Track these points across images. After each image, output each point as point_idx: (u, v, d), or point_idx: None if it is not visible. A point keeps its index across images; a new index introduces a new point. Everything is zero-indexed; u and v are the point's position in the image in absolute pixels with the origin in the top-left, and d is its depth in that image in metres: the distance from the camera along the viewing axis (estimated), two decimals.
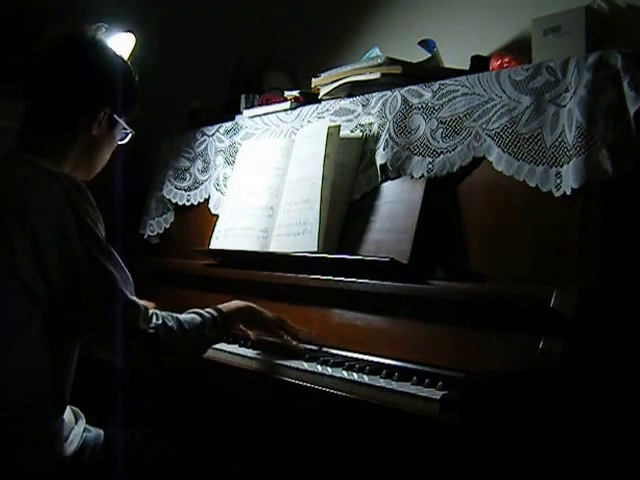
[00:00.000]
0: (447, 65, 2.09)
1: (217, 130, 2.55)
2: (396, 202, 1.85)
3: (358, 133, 2.02)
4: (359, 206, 1.96)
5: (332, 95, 2.16)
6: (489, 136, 1.69)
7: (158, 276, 2.41)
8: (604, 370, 1.42)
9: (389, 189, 1.90)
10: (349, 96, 2.11)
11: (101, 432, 1.64)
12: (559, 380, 1.36)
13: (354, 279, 1.77)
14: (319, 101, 2.21)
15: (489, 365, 1.43)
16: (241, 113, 2.50)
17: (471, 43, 2.10)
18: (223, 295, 1.86)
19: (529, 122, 1.63)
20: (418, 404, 1.36)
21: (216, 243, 2.27)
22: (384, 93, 1.97)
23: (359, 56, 2.26)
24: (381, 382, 1.48)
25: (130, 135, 1.76)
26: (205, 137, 2.60)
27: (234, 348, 1.83)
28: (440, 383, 1.40)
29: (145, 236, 2.74)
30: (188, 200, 2.61)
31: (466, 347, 1.52)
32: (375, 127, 1.97)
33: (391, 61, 2.01)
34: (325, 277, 1.85)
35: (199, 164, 2.59)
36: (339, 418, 1.55)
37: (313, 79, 2.24)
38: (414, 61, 2.07)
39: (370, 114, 2.00)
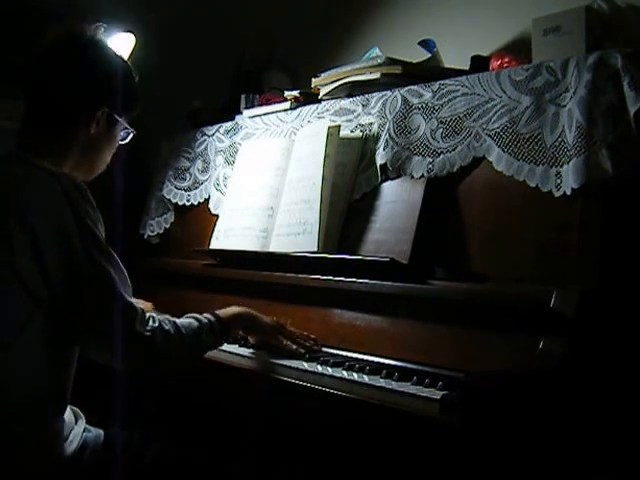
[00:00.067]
0: (447, 65, 2.09)
1: (217, 130, 2.55)
2: (396, 202, 1.85)
3: (358, 133, 2.02)
4: (359, 206, 1.96)
5: (332, 95, 2.16)
6: (489, 136, 1.69)
7: (158, 276, 2.42)
8: (604, 370, 1.42)
9: (389, 189, 1.90)
10: (349, 96, 2.11)
11: (101, 432, 1.64)
12: (559, 380, 1.36)
13: (354, 279, 1.77)
14: (319, 101, 2.21)
15: (489, 365, 1.43)
16: (241, 113, 2.50)
17: (471, 43, 2.10)
18: (223, 295, 1.86)
19: (529, 122, 1.63)
20: (418, 404, 1.36)
21: (216, 243, 2.27)
22: (384, 93, 1.97)
23: (359, 56, 2.26)
24: (381, 382, 1.48)
25: (131, 135, 1.76)
26: (205, 137, 2.60)
27: (234, 348, 1.83)
28: (440, 383, 1.40)
29: (145, 236, 2.74)
30: (188, 200, 2.61)
31: (466, 347, 1.52)
32: (375, 127, 1.97)
33: (391, 61, 2.01)
34: (325, 277, 1.85)
35: (199, 164, 2.59)
36: (339, 418, 1.54)
37: (313, 79, 2.24)
38: (414, 61, 2.07)
39: (370, 114, 2.00)
